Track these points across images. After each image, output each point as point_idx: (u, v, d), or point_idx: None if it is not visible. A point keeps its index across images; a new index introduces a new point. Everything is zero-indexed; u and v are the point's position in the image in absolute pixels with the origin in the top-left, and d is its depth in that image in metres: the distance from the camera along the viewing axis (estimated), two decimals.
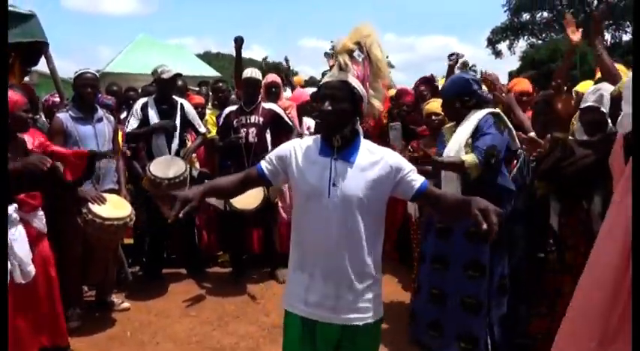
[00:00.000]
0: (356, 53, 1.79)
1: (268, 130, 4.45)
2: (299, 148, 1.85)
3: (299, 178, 1.81)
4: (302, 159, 1.82)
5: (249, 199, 3.96)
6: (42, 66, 4.48)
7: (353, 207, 1.73)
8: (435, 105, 3.73)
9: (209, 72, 10.69)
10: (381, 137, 4.42)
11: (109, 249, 3.66)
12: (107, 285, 3.85)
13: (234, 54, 4.80)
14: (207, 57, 35.05)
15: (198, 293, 4.28)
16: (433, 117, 3.74)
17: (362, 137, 1.84)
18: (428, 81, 4.60)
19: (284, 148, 1.89)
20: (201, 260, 4.80)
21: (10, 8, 3.66)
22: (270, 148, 4.39)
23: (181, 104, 4.41)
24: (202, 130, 4.52)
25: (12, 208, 2.74)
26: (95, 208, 3.25)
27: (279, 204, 4.66)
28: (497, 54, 33.60)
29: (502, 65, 43.25)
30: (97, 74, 4.01)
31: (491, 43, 33.55)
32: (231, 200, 3.89)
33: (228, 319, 3.79)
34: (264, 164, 1.90)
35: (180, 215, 1.65)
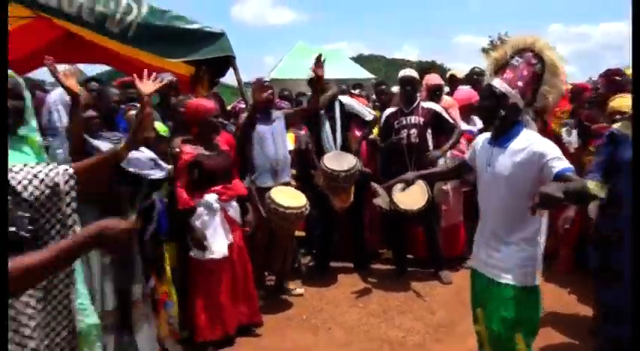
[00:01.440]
0: (514, 60, 2.19)
1: (429, 130, 4.43)
2: (482, 138, 2.36)
3: (476, 161, 2.34)
4: (479, 146, 2.33)
5: (413, 199, 3.99)
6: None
7: (501, 183, 2.13)
8: (621, 101, 3.22)
9: (364, 74, 11.01)
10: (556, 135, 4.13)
11: (287, 237, 4.04)
12: (285, 272, 4.25)
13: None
14: (360, 60, 36.00)
15: (364, 286, 4.45)
16: (618, 116, 3.11)
17: (523, 127, 2.17)
18: (611, 74, 4.00)
19: (476, 139, 2.42)
20: (366, 255, 4.97)
21: (206, 29, 4.25)
22: (431, 147, 4.40)
23: (339, 101, 4.57)
24: (369, 117, 4.62)
25: (213, 198, 3.20)
26: (277, 197, 3.64)
27: (443, 207, 4.63)
28: None
29: None
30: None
31: None
32: (396, 200, 3.96)
33: (393, 314, 3.89)
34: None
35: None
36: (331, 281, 4.57)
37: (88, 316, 2.10)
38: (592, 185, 1.88)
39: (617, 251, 2.58)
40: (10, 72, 2.00)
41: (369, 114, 4.66)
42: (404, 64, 43.39)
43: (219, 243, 3.20)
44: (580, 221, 3.89)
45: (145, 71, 2.52)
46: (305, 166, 4.70)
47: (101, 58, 6.33)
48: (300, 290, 4.29)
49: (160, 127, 3.20)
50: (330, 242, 4.87)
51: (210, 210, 3.18)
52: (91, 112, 2.73)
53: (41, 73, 7.55)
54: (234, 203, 3.39)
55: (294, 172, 4.49)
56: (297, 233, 4.65)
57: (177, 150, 3.22)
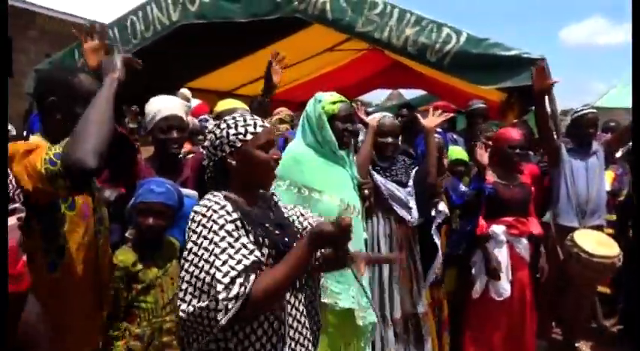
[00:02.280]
0: None
1: None
2: None
3: None
4: None
5: None
6: None
7: None
8: None
9: None
10: None
11: (587, 289, 3.53)
12: (575, 327, 3.71)
13: None
14: None
15: None
16: None
17: None
18: None
19: None
20: None
21: (524, 55, 4.10)
22: None
23: None
24: None
25: (500, 229, 3.06)
26: (581, 240, 3.21)
27: None
28: None
29: None
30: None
31: None
32: None
33: None
34: None
35: None
36: None
37: (370, 314, 2.30)
38: None
39: None
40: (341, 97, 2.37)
41: None
42: None
43: (502, 281, 3.05)
44: None
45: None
46: (623, 212, 4.00)
47: (419, 83, 6.93)
48: None
49: (460, 153, 3.28)
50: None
51: (496, 242, 3.06)
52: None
53: (366, 96, 8.66)
54: (525, 240, 3.16)
55: (608, 216, 3.87)
56: (601, 288, 4.00)
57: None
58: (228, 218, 1.38)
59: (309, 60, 6.05)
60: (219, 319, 1.27)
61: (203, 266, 1.32)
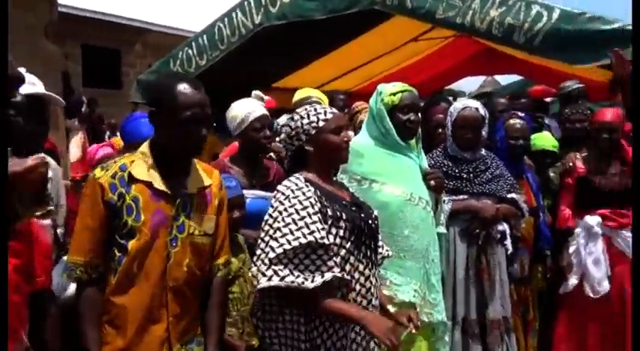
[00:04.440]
0: None
1: None
2: None
3: None
4: None
5: None
6: None
7: None
8: None
9: None
10: None
11: None
12: None
13: None
14: None
15: None
16: None
17: None
18: None
19: None
20: None
21: (628, 27, 3.71)
22: None
23: None
24: None
25: (595, 221, 2.82)
26: None
27: None
28: None
29: None
30: None
31: None
32: None
33: None
34: None
35: None
36: None
37: (438, 312, 2.24)
38: None
39: None
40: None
41: None
42: None
43: (599, 277, 2.83)
44: None
45: None
46: None
47: (515, 68, 6.53)
48: None
49: (546, 141, 3.06)
50: None
51: (590, 234, 2.83)
52: None
53: (458, 84, 8.37)
54: (627, 233, 2.88)
55: None
56: None
57: (570, 165, 3.02)
58: (302, 198, 1.58)
59: (394, 52, 5.98)
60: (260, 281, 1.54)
61: (268, 231, 1.59)
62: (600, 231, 2.85)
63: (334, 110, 1.76)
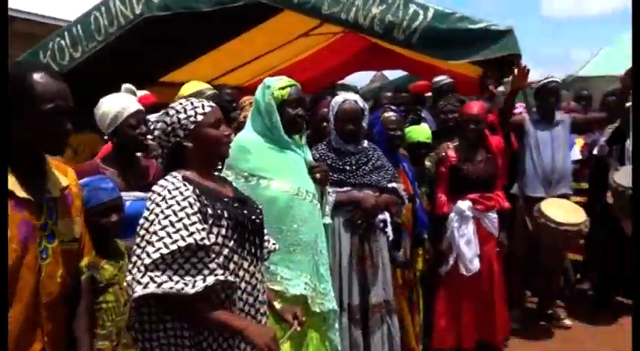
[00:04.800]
0: None
1: None
2: None
3: None
4: None
5: None
6: None
7: None
8: None
9: None
10: None
11: (556, 256, 3.58)
12: (549, 295, 3.77)
13: None
14: None
15: None
16: None
17: None
18: None
19: None
20: None
21: (492, 27, 4.07)
22: None
23: None
24: None
25: (466, 205, 3.09)
26: (549, 210, 3.26)
27: None
28: None
29: None
30: (568, 80, 3.96)
31: None
32: None
33: None
34: None
35: None
36: (611, 320, 3.82)
37: (329, 301, 2.29)
38: None
39: None
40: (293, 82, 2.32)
41: None
42: None
43: (470, 256, 3.10)
44: None
45: None
46: (596, 179, 4.03)
47: (399, 64, 6.88)
48: (567, 322, 3.72)
49: (421, 133, 3.26)
50: (616, 272, 4.04)
51: (462, 218, 3.09)
52: None
53: (350, 79, 8.58)
54: (492, 215, 3.20)
55: (576, 184, 3.90)
56: (575, 256, 4.04)
57: (443, 154, 3.25)
58: (179, 198, 1.49)
59: (285, 46, 6.01)
60: (135, 290, 1.42)
61: (144, 235, 1.47)
62: (471, 214, 3.12)
63: (212, 103, 1.67)
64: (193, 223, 1.47)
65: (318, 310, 2.24)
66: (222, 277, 1.49)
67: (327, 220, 2.44)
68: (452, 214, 3.14)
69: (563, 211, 3.31)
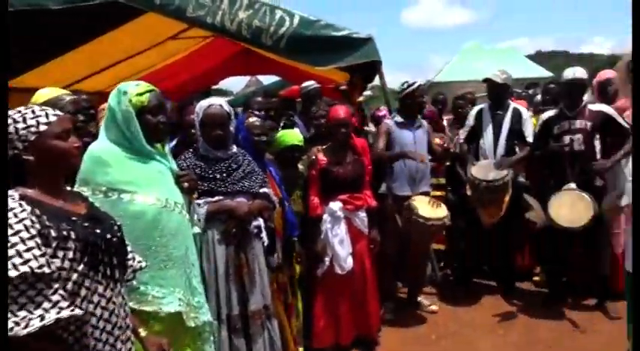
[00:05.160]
0: None
1: (597, 136, 3.81)
2: None
3: None
4: None
5: (576, 215, 3.53)
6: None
7: None
8: None
9: (541, 73, 9.99)
10: None
11: (424, 249, 3.88)
12: (418, 284, 4.07)
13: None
14: (539, 57, 33.02)
15: (507, 310, 4.03)
16: None
17: None
18: None
19: None
20: (514, 275, 4.49)
21: (353, 35, 4.28)
22: (598, 156, 3.79)
23: (515, 109, 4.19)
24: (529, 139, 4.13)
25: (337, 206, 3.21)
26: (418, 207, 3.50)
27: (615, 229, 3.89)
28: None
29: None
30: (426, 85, 4.31)
31: None
32: (554, 216, 3.55)
33: (539, 348, 3.42)
34: None
35: None
36: (471, 301, 4.23)
37: (203, 314, 2.21)
38: None
39: None
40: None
41: (531, 135, 4.11)
42: (589, 59, 38.34)
43: (344, 255, 3.22)
44: None
45: None
46: (453, 174, 4.46)
47: (272, 69, 6.93)
48: (434, 307, 4.05)
49: (295, 136, 3.31)
50: (474, 258, 4.49)
51: (334, 218, 3.20)
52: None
53: (226, 83, 8.49)
54: (362, 214, 3.36)
55: (434, 180, 4.28)
56: (438, 246, 4.42)
57: (314, 158, 3.33)
58: (13, 221, 1.32)
59: (153, 49, 5.71)
60: None
61: None
62: (342, 214, 3.24)
63: (58, 112, 1.50)
64: (29, 249, 1.30)
65: (193, 325, 2.15)
66: (66, 313, 1.31)
67: (197, 229, 2.36)
68: (325, 216, 3.23)
69: (429, 207, 3.60)
